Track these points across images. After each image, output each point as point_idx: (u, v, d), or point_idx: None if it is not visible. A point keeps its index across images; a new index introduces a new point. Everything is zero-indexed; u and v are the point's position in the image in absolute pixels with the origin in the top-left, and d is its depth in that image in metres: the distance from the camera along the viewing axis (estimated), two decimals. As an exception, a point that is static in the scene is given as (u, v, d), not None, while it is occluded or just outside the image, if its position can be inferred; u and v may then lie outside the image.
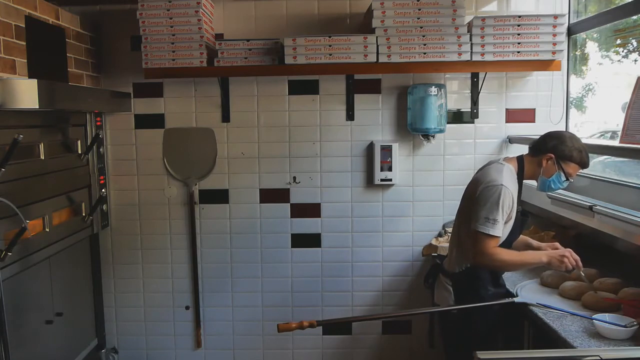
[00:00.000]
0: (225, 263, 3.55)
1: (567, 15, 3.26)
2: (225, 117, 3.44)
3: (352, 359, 3.61)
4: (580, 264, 2.26)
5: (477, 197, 2.28)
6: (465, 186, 3.50)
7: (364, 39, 3.09)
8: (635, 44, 2.97)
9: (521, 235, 2.54)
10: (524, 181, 2.42)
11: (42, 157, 2.71)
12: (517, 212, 2.36)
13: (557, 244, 2.47)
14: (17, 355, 2.42)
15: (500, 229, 2.23)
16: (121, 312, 3.61)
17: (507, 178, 2.29)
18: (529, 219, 2.59)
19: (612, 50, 3.20)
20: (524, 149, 3.40)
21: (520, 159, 2.43)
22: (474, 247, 2.26)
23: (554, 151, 2.32)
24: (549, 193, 2.66)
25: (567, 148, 2.30)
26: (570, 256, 2.25)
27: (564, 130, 2.47)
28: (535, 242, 2.56)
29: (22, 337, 2.54)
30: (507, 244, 2.37)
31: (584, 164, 2.33)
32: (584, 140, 2.38)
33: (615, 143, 2.45)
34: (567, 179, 2.34)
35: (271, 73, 3.29)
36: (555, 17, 3.05)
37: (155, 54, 3.13)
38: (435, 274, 2.56)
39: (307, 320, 2.26)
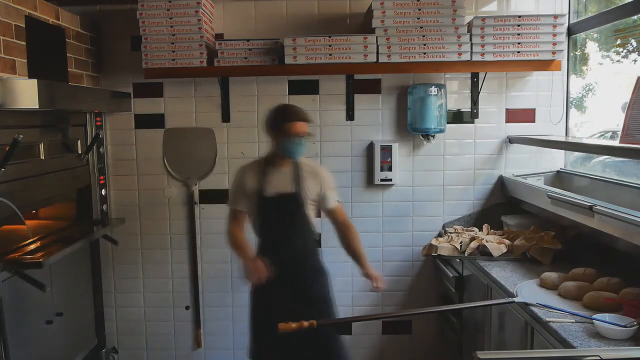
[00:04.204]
0: (225, 263, 3.55)
1: (567, 15, 3.26)
2: (225, 117, 3.44)
3: (352, 359, 3.61)
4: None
5: None
6: (465, 186, 3.53)
7: (364, 39, 3.09)
8: (635, 44, 2.97)
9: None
10: (523, 181, 2.42)
11: (42, 157, 2.71)
12: (264, 194, 2.58)
13: (376, 281, 2.64)
14: (17, 355, 2.41)
15: (235, 202, 2.64)
16: (121, 312, 3.61)
17: (245, 163, 2.71)
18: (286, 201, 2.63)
19: (612, 50, 3.20)
20: (523, 149, 3.42)
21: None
22: None
23: (270, 127, 2.60)
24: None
25: (271, 118, 2.59)
26: (256, 271, 2.43)
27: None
28: (364, 264, 2.71)
29: (22, 337, 2.54)
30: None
31: (293, 117, 2.55)
32: (584, 141, 2.38)
33: (615, 143, 2.45)
34: (295, 137, 2.54)
35: (271, 73, 3.29)
36: (555, 17, 3.05)
37: (155, 54, 3.13)
38: None
39: (307, 321, 2.25)
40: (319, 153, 3.45)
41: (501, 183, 3.44)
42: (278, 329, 2.23)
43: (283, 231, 2.61)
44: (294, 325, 2.23)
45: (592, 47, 3.48)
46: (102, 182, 3.37)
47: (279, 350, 2.55)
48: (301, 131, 2.55)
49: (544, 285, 2.45)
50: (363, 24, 3.32)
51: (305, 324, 2.23)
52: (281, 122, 2.55)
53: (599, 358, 1.47)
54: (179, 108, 3.46)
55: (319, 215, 3.46)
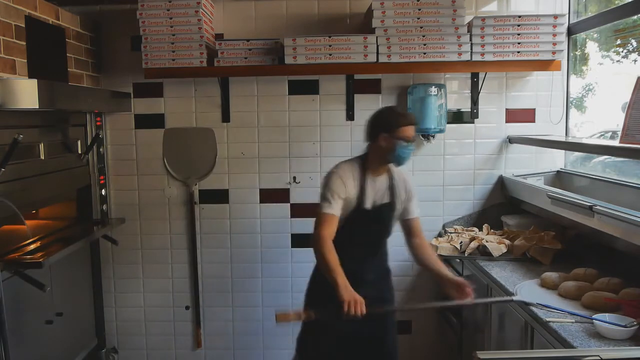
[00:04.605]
0: (225, 263, 3.55)
1: (567, 15, 3.26)
2: (225, 117, 3.44)
3: None
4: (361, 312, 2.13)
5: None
6: (465, 186, 3.53)
7: (364, 39, 3.09)
8: (635, 44, 2.97)
9: (439, 264, 2.49)
10: (523, 181, 2.41)
11: (42, 157, 2.71)
12: (364, 206, 2.42)
13: (465, 286, 2.29)
14: (17, 355, 2.41)
15: (333, 208, 2.36)
16: (121, 312, 3.61)
17: (343, 166, 2.47)
18: (379, 214, 2.49)
19: (612, 50, 3.20)
20: (523, 149, 3.42)
21: (364, 154, 2.53)
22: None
23: (379, 131, 2.42)
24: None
25: (381, 122, 2.44)
26: (357, 306, 2.12)
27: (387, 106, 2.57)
28: (447, 274, 2.40)
29: (22, 337, 2.54)
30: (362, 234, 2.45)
31: (404, 120, 2.40)
32: (584, 141, 2.38)
33: (615, 143, 2.45)
34: (409, 142, 2.40)
35: (271, 73, 3.29)
36: (555, 17, 3.05)
37: (155, 54, 3.13)
38: None
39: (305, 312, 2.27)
40: (319, 153, 3.45)
41: (501, 183, 3.44)
42: (276, 318, 2.23)
43: (370, 241, 2.51)
44: (292, 315, 2.25)
45: (592, 47, 3.48)
46: (102, 182, 3.37)
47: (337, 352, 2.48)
48: (412, 135, 2.41)
49: (544, 285, 2.45)
50: (363, 24, 3.32)
51: (304, 314, 2.25)
52: (392, 126, 2.38)
53: (599, 358, 1.47)
54: (179, 108, 3.46)
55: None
